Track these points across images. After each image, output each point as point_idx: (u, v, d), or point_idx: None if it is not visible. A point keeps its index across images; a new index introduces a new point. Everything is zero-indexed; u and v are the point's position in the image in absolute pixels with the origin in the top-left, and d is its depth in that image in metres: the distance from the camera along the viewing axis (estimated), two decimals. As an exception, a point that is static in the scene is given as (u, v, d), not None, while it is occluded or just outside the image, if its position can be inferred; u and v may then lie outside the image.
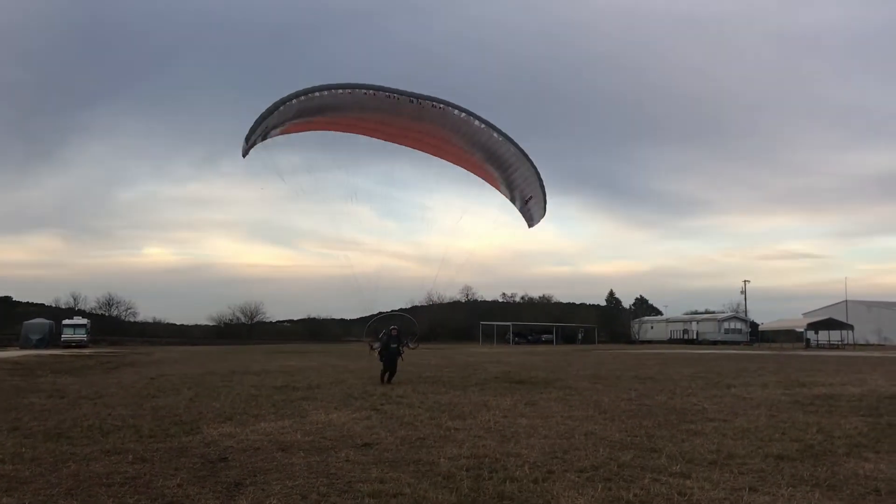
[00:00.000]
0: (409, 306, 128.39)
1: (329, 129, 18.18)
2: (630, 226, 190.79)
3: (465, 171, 19.40)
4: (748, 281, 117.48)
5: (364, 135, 18.36)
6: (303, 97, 15.82)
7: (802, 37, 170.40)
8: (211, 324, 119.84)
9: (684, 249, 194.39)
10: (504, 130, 17.72)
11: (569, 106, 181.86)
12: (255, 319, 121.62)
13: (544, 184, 19.00)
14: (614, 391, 18.92)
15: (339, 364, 33.70)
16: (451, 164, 19.42)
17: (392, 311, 22.69)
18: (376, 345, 21.56)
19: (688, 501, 6.92)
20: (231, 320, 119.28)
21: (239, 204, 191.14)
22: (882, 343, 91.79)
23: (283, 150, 17.32)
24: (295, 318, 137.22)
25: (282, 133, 17.19)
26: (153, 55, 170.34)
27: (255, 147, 16.60)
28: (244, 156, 16.60)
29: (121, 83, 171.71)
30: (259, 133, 16.20)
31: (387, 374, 21.25)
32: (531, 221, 20.12)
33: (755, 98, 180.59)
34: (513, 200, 19.60)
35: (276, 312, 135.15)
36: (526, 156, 18.29)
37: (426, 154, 19.00)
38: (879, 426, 12.10)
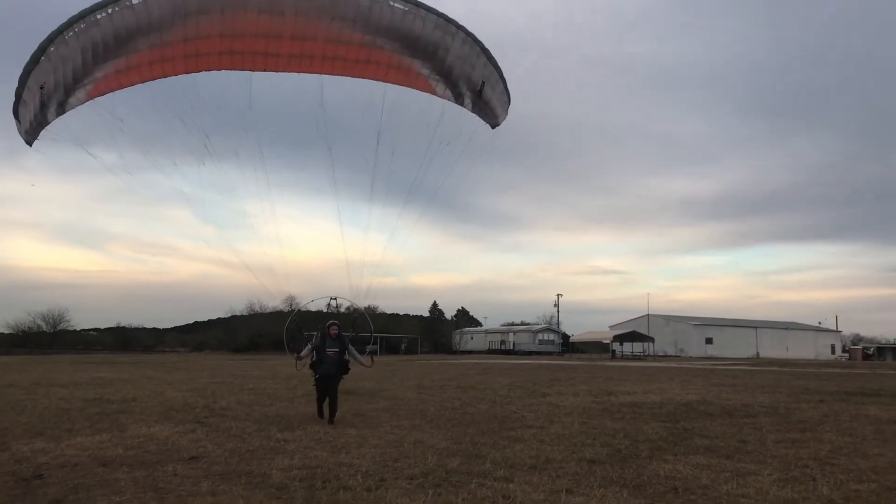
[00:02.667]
0: (228, 316, 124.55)
1: (155, 75, 12.23)
2: (455, 239, 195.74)
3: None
4: (561, 295, 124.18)
5: (208, 69, 12.45)
6: (77, 27, 10.60)
7: (620, 66, 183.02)
8: (6, 331, 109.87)
9: (504, 263, 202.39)
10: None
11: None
12: (59, 327, 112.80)
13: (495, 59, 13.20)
14: (439, 400, 19.48)
15: (155, 376, 32.17)
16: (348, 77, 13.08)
17: (332, 300, 15.39)
18: (303, 357, 14.21)
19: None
20: (30, 328, 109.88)
21: (42, 203, 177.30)
22: (678, 354, 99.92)
23: (95, 146, 15.07)
24: (102, 327, 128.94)
25: (88, 98, 11.96)
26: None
27: (50, 131, 11.98)
28: (29, 144, 12.26)
29: None
30: (38, 105, 11.20)
31: (326, 402, 14.17)
32: (495, 118, 14.43)
33: (574, 122, 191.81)
34: (460, 98, 13.67)
35: (81, 320, 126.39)
36: (455, 25, 12.52)
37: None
38: (677, 431, 13.36)
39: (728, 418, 15.69)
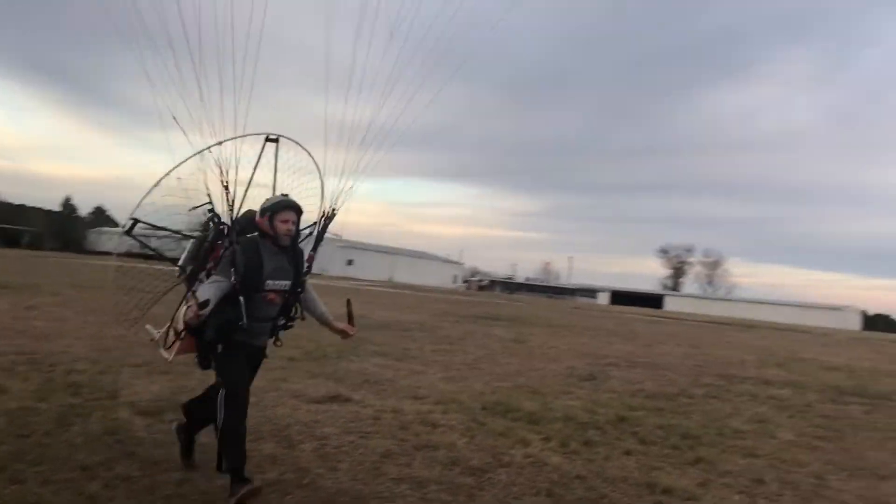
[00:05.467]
0: None
1: None
2: (92, 128, 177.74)
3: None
4: (211, 204, 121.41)
5: None
6: None
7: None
8: None
9: (149, 163, 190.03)
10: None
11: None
12: None
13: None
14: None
15: None
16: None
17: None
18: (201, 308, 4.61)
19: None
20: None
21: None
22: (320, 273, 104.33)
23: None
24: None
25: None
26: None
27: None
28: None
29: None
30: None
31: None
32: None
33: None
34: None
35: None
36: None
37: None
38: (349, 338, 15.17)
39: (387, 331, 18.03)
